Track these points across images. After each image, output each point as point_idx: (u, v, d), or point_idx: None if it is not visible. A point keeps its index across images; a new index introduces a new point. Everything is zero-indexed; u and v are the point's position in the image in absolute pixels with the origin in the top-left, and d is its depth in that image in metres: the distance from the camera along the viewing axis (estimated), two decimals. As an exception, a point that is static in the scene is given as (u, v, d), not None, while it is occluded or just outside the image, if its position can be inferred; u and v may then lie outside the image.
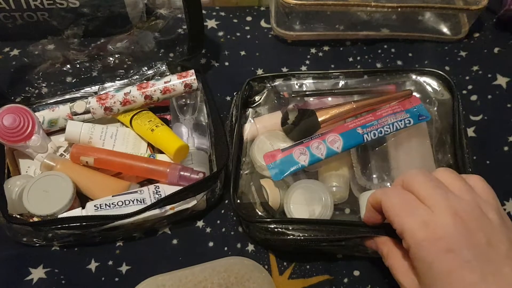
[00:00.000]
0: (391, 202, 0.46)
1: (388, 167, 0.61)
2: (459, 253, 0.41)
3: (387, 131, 0.60)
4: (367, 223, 0.52)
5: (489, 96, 0.74)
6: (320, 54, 0.80)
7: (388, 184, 0.60)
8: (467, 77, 0.76)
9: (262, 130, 0.63)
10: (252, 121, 0.65)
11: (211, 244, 0.62)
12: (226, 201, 0.65)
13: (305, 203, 0.59)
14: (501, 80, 0.75)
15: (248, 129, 0.64)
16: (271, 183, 0.61)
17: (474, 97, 0.74)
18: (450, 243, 0.41)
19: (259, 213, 0.59)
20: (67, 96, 0.70)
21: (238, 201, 0.60)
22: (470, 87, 0.75)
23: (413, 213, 0.43)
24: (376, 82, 0.69)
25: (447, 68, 0.77)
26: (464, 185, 0.45)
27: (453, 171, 0.47)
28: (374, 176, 0.61)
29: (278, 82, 0.69)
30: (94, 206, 0.58)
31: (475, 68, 0.77)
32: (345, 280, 0.59)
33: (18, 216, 0.59)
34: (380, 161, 0.62)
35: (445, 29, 0.80)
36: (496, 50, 0.79)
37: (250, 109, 0.67)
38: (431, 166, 0.62)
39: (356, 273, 0.60)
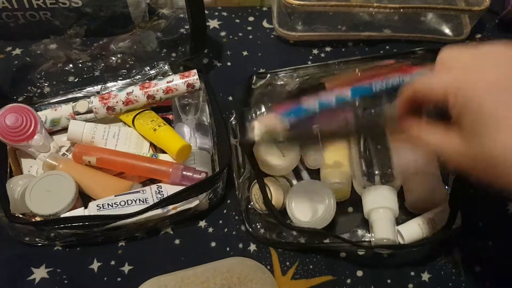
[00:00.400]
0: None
1: (390, 165, 0.61)
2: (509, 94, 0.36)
3: (395, 82, 0.57)
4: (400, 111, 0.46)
5: (491, 97, 0.74)
6: (322, 55, 0.80)
7: (391, 184, 0.60)
8: (469, 78, 0.76)
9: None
10: (256, 120, 0.65)
11: (213, 244, 0.62)
12: (229, 201, 0.65)
13: (308, 204, 0.59)
14: (503, 81, 0.75)
15: (253, 128, 0.64)
16: (274, 182, 0.61)
17: (476, 98, 0.74)
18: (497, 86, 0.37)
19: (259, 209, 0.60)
20: (70, 96, 0.70)
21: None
22: (472, 88, 0.75)
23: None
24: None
25: (449, 69, 0.77)
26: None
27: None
28: (376, 172, 0.61)
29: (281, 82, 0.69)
30: (97, 205, 0.58)
31: (477, 69, 0.77)
32: (348, 280, 0.59)
33: (21, 216, 0.59)
34: (382, 159, 0.62)
35: (447, 30, 0.80)
36: (498, 51, 0.79)
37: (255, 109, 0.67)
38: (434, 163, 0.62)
39: (359, 273, 0.60)
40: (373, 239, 0.58)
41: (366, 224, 0.61)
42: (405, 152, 0.62)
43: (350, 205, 0.64)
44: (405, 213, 0.62)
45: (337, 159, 0.63)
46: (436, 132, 0.42)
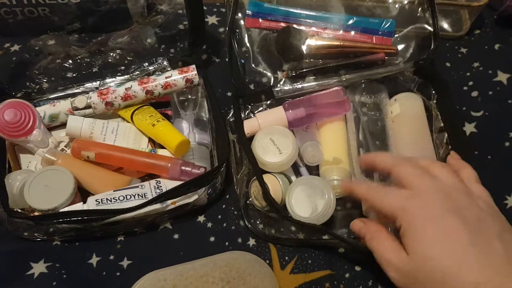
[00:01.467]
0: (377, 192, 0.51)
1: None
2: (452, 218, 0.44)
3: None
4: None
5: (490, 92, 0.74)
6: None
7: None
8: (468, 74, 0.76)
9: (264, 125, 0.63)
10: (253, 116, 0.65)
11: (212, 239, 0.62)
12: (227, 196, 0.65)
13: (307, 200, 0.59)
14: (502, 77, 0.75)
15: (250, 124, 0.64)
16: (273, 178, 0.60)
17: (475, 93, 0.74)
18: (441, 211, 0.45)
19: (259, 206, 0.60)
20: (68, 91, 0.70)
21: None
22: (471, 83, 0.75)
23: (399, 194, 0.48)
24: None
25: (448, 64, 0.77)
26: (453, 175, 0.49)
27: (445, 165, 0.51)
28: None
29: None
30: (96, 200, 0.58)
31: (475, 64, 0.77)
32: (347, 275, 0.59)
33: (19, 211, 0.59)
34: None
35: (446, 26, 0.79)
36: (496, 46, 0.79)
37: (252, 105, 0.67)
38: (432, 158, 0.62)
39: (358, 268, 0.60)
40: None
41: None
42: (403, 150, 0.62)
43: (347, 200, 0.63)
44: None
45: (336, 155, 0.63)
46: (386, 241, 0.49)
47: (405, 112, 0.65)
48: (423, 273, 0.44)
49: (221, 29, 0.82)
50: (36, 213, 0.58)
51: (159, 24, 0.79)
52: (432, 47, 0.67)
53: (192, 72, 0.66)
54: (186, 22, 0.79)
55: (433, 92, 0.66)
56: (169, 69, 0.71)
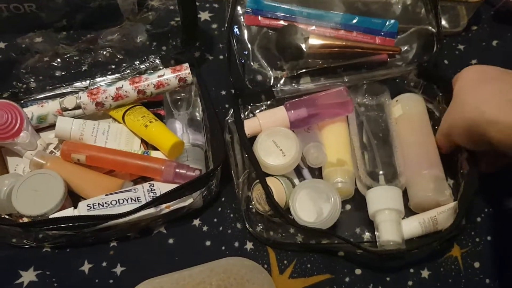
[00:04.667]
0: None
1: (393, 165, 0.60)
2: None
3: None
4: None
5: (488, 90, 0.73)
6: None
7: (394, 183, 0.59)
8: (465, 71, 0.75)
9: (265, 126, 0.61)
10: (253, 116, 0.64)
11: (208, 243, 0.61)
12: (223, 199, 0.64)
13: (312, 204, 0.57)
14: (500, 74, 0.74)
15: (250, 124, 0.62)
16: (276, 181, 0.59)
17: (473, 91, 0.73)
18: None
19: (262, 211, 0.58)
20: (57, 91, 0.68)
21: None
22: (469, 80, 0.74)
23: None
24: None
25: (445, 61, 0.76)
26: None
27: None
28: (381, 172, 0.59)
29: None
30: (87, 205, 0.56)
31: (473, 61, 0.76)
32: (347, 279, 0.58)
33: (7, 217, 0.57)
34: (385, 158, 0.61)
35: (443, 22, 0.78)
36: (494, 43, 0.78)
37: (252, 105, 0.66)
38: (436, 161, 0.61)
39: (358, 271, 0.59)
40: (379, 240, 0.57)
41: (366, 223, 0.61)
42: (407, 151, 0.61)
43: (348, 202, 0.62)
44: (408, 213, 0.61)
45: (339, 157, 0.61)
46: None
47: (407, 113, 0.65)
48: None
49: (214, 25, 0.80)
50: (24, 219, 0.57)
51: (151, 21, 0.77)
52: (435, 49, 0.66)
53: (185, 70, 0.64)
54: (178, 19, 0.77)
55: (440, 94, 0.65)
56: (161, 67, 0.70)
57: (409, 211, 0.61)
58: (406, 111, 0.64)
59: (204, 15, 0.80)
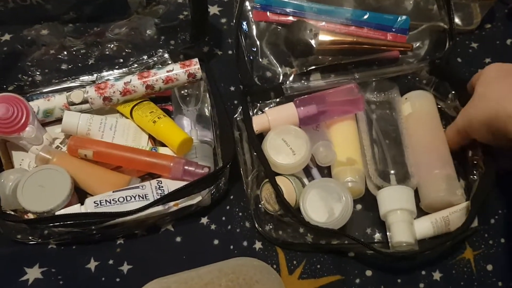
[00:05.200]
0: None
1: (404, 164, 0.59)
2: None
3: None
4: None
5: (502, 89, 0.72)
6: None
7: (406, 183, 0.58)
8: (479, 69, 0.73)
9: (274, 122, 0.60)
10: (261, 112, 0.62)
11: (216, 242, 0.60)
12: (232, 197, 0.63)
13: (323, 203, 0.56)
14: (514, 73, 0.73)
15: (259, 121, 0.61)
16: (286, 181, 0.58)
17: (486, 90, 0.72)
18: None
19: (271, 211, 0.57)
20: (63, 85, 0.67)
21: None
22: (482, 79, 0.73)
23: None
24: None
25: (458, 60, 0.75)
26: None
27: None
28: (392, 172, 0.58)
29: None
30: (94, 202, 0.55)
31: (487, 60, 0.75)
32: (357, 280, 0.57)
33: (12, 213, 0.56)
34: (396, 157, 0.60)
35: (456, 20, 0.77)
36: (508, 41, 0.77)
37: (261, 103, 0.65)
38: (447, 160, 0.60)
39: (369, 273, 0.58)
40: (391, 241, 0.56)
41: (377, 223, 0.60)
42: (418, 149, 0.60)
43: (358, 202, 0.61)
44: (420, 214, 0.59)
45: (349, 155, 0.60)
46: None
47: (417, 111, 0.64)
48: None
49: (224, 20, 0.78)
50: (30, 216, 0.56)
51: (159, 15, 0.75)
52: (447, 46, 0.65)
53: (194, 66, 0.63)
54: (187, 12, 0.76)
55: (453, 92, 0.64)
56: (170, 62, 0.69)
57: (420, 211, 0.59)
58: (416, 109, 0.64)
59: (213, 9, 0.79)
